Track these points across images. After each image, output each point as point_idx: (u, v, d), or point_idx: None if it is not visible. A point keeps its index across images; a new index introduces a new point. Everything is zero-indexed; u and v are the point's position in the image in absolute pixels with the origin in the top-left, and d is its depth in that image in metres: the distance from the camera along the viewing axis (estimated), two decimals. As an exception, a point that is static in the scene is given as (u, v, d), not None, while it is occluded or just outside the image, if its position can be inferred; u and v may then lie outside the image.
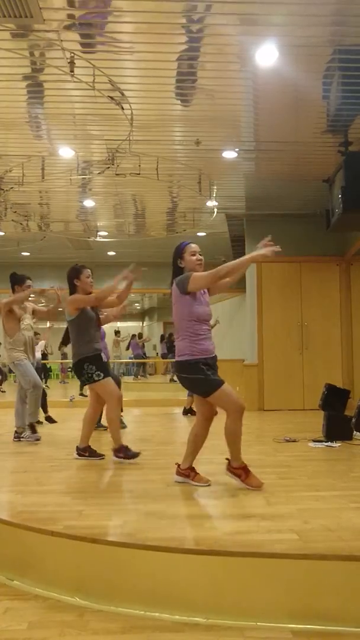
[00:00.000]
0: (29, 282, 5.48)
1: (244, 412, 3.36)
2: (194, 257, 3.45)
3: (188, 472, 3.55)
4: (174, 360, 3.60)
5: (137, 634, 2.17)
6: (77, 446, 4.60)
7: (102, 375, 4.33)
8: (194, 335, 3.37)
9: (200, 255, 3.47)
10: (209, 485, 3.48)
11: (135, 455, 4.33)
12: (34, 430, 5.36)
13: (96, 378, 4.33)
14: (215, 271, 3.28)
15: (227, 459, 3.50)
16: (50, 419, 7.07)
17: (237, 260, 3.33)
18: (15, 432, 5.44)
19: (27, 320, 5.55)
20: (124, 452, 4.34)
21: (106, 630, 2.20)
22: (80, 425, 4.67)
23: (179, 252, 3.48)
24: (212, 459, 3.87)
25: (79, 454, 4.54)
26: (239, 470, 3.43)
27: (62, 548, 2.59)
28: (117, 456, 4.35)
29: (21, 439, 5.38)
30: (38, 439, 5.30)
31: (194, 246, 3.50)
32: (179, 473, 3.59)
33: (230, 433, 3.38)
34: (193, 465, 3.58)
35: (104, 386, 4.36)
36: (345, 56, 4.27)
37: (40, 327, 8.22)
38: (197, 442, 3.55)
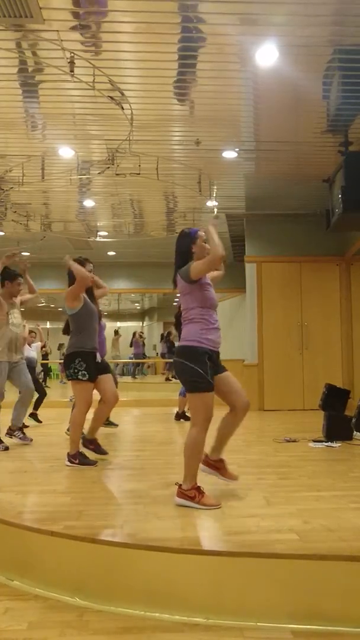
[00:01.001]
0: (19, 279, 5.32)
1: (209, 425, 3.15)
2: (206, 245, 3.35)
3: (219, 465, 3.41)
4: (172, 360, 3.46)
5: (137, 634, 2.17)
6: (83, 437, 4.58)
7: (87, 377, 4.29)
8: (205, 322, 3.24)
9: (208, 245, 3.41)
10: (237, 479, 3.42)
11: (91, 463, 4.27)
12: (10, 434, 5.32)
13: (80, 377, 4.29)
14: (211, 255, 3.17)
15: (177, 483, 3.19)
16: (34, 416, 7.02)
17: (213, 240, 3.19)
18: (9, 428, 5.40)
19: (17, 315, 5.36)
20: (79, 459, 4.27)
21: (106, 631, 2.20)
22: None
23: (192, 238, 3.36)
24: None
25: (84, 446, 4.53)
26: (192, 491, 3.10)
27: (62, 548, 2.59)
28: (70, 461, 4.27)
29: (13, 436, 5.34)
30: (7, 448, 5.06)
31: (203, 234, 3.40)
32: (208, 464, 3.40)
33: (192, 444, 3.12)
34: (222, 457, 3.43)
35: (82, 389, 4.33)
36: (345, 56, 4.27)
37: (40, 327, 8.19)
38: (227, 428, 3.37)
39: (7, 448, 5.00)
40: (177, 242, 3.43)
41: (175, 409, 7.19)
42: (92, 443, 4.59)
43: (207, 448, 3.35)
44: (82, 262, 4.54)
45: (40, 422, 7.00)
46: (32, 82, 4.64)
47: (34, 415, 7.02)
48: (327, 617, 2.21)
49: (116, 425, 6.35)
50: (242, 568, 2.32)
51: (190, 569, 2.38)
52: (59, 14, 3.71)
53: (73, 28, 3.87)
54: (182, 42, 4.07)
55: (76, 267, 4.34)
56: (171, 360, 13.88)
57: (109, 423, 6.24)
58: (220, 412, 3.46)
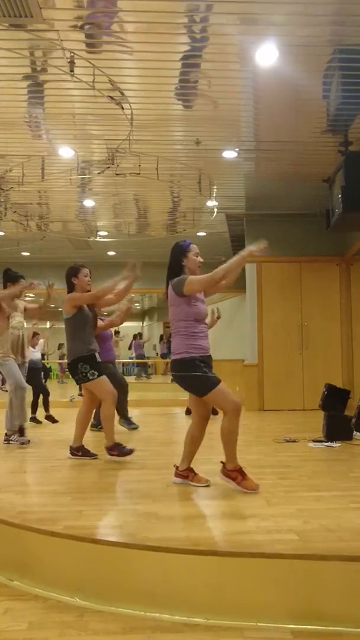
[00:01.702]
0: (22, 282, 5.32)
1: (240, 411, 3.32)
2: (197, 258, 3.46)
3: (187, 473, 3.54)
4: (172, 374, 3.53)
5: (137, 634, 2.17)
6: (70, 446, 4.60)
7: (96, 374, 4.36)
8: (190, 334, 3.35)
9: (200, 258, 3.48)
10: (208, 485, 3.47)
11: (129, 452, 4.35)
12: (22, 434, 5.25)
13: (90, 377, 4.35)
14: (210, 275, 3.28)
15: (222, 462, 3.43)
16: (51, 418, 7.07)
17: (229, 262, 3.32)
18: (5, 434, 5.36)
19: (18, 318, 5.38)
20: (118, 450, 4.36)
21: (106, 631, 2.20)
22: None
23: (183, 251, 3.45)
24: (210, 459, 3.85)
25: (72, 453, 4.56)
26: (234, 472, 3.36)
27: (62, 548, 2.59)
28: (110, 454, 4.37)
29: (10, 442, 5.26)
30: (24, 443, 5.16)
31: (196, 247, 3.50)
32: (177, 475, 3.57)
33: (226, 433, 3.32)
34: (191, 466, 3.56)
35: (99, 384, 4.39)
36: (345, 56, 4.27)
37: (40, 327, 8.19)
38: (194, 443, 3.53)
39: (28, 441, 5.13)
40: (170, 252, 3.52)
41: (176, 409, 7.20)
42: (78, 450, 4.58)
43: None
44: (77, 268, 4.56)
45: (57, 421, 7.00)
46: (32, 82, 4.63)
47: (50, 418, 7.04)
48: (327, 617, 2.21)
49: (136, 426, 6.30)
50: (242, 568, 2.32)
51: (190, 569, 2.38)
52: (59, 13, 3.71)
53: (74, 28, 3.86)
54: (182, 42, 4.07)
55: (102, 287, 4.48)
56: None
57: (129, 421, 6.17)
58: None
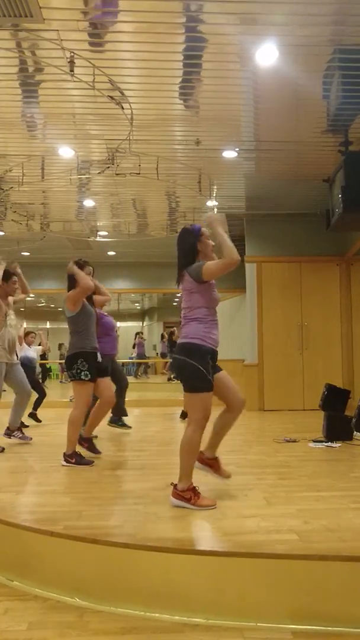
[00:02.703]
0: (14, 278, 5.25)
1: (204, 428, 3.12)
2: (210, 241, 3.33)
3: (212, 462, 3.41)
4: (173, 359, 3.38)
5: (137, 634, 2.17)
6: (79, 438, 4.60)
7: (89, 376, 4.33)
8: (209, 322, 3.20)
9: (212, 241, 3.35)
10: (229, 476, 3.42)
11: (87, 463, 4.29)
12: (9, 435, 5.31)
13: (83, 377, 4.32)
14: (227, 260, 3.12)
15: (172, 483, 3.19)
16: (34, 416, 7.04)
17: (224, 240, 3.16)
18: (7, 428, 5.40)
19: (13, 316, 5.34)
20: (76, 459, 4.29)
21: (106, 631, 2.20)
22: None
23: (196, 235, 3.30)
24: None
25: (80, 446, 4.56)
26: (188, 492, 3.08)
27: (62, 548, 2.59)
28: (67, 461, 4.29)
29: (11, 437, 5.34)
30: (2, 450, 5.02)
31: (206, 230, 3.35)
32: (203, 461, 3.38)
33: (186, 443, 3.09)
34: (217, 456, 3.44)
35: (83, 389, 4.35)
36: (345, 56, 4.26)
37: (40, 326, 8.17)
38: (224, 428, 3.37)
39: (2, 449, 4.96)
40: (179, 239, 3.35)
41: (176, 409, 7.19)
42: (86, 442, 4.63)
43: (203, 445, 3.35)
44: (81, 265, 4.57)
45: (40, 421, 7.02)
46: (32, 82, 4.63)
47: (33, 415, 7.05)
48: (327, 617, 2.21)
49: (129, 427, 6.29)
50: (242, 568, 2.32)
51: (190, 570, 2.38)
52: (59, 13, 3.71)
53: (73, 28, 3.86)
54: (182, 42, 4.06)
55: (81, 276, 4.40)
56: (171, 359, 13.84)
57: (122, 424, 6.17)
58: (216, 410, 3.46)
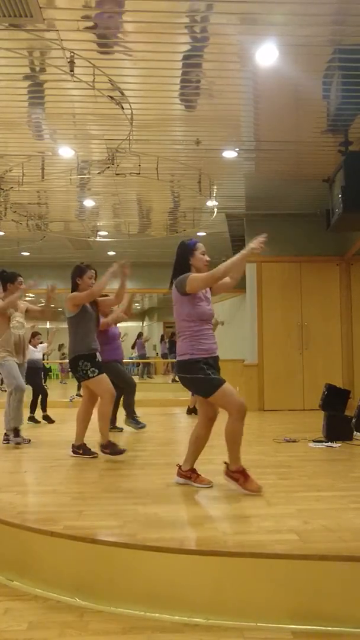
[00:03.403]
0: (20, 279, 5.29)
1: (245, 412, 3.29)
2: (204, 257, 3.43)
3: (189, 474, 3.53)
4: (174, 360, 3.52)
5: (137, 634, 2.17)
6: (72, 444, 4.64)
7: (96, 371, 4.41)
8: (195, 335, 3.33)
9: (207, 256, 3.46)
10: (210, 486, 3.47)
11: (121, 451, 4.40)
12: (16, 435, 5.23)
13: (91, 375, 4.40)
14: (211, 273, 3.27)
15: (225, 462, 3.42)
16: (48, 418, 7.09)
17: (231, 260, 3.29)
18: (5, 434, 5.34)
19: (18, 319, 5.33)
20: (110, 448, 4.40)
21: (106, 631, 2.19)
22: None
23: (190, 250, 3.42)
24: (212, 459, 3.85)
25: (73, 452, 4.60)
26: (237, 474, 3.34)
27: (62, 548, 2.58)
28: (103, 451, 4.42)
29: (9, 442, 5.26)
30: (19, 443, 5.15)
31: (202, 245, 3.46)
32: (180, 474, 3.56)
33: (230, 434, 3.30)
34: (194, 467, 3.56)
35: (98, 382, 4.43)
36: (345, 56, 4.26)
37: (43, 327, 8.18)
38: (198, 443, 3.52)
39: (28, 441, 5.17)
40: (177, 251, 3.50)
41: (176, 409, 7.22)
42: (80, 448, 4.63)
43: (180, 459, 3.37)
44: (83, 269, 4.59)
45: (53, 421, 7.04)
46: (32, 82, 4.63)
47: (46, 418, 7.08)
48: (327, 617, 2.20)
49: (120, 429, 6.32)
50: (242, 568, 2.32)
51: (190, 569, 2.37)
52: (59, 13, 3.71)
53: (74, 28, 3.86)
54: (182, 42, 4.06)
55: (96, 284, 4.52)
56: (173, 360, 13.86)
57: (113, 427, 6.21)
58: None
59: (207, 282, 3.33)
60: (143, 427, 6.15)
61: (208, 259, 3.44)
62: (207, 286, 3.39)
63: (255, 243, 3.32)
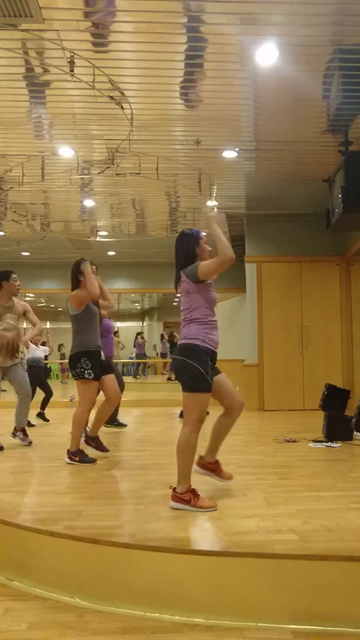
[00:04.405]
0: (14, 276, 5.18)
1: (200, 429, 3.12)
2: (207, 246, 3.37)
3: (214, 466, 3.42)
4: (173, 358, 3.38)
5: (137, 634, 2.17)
6: (68, 449, 4.61)
7: (92, 375, 4.36)
8: (209, 323, 3.22)
9: (208, 246, 3.40)
10: (232, 478, 3.43)
11: (91, 461, 4.34)
12: (24, 434, 5.33)
13: (86, 376, 4.35)
14: (220, 258, 3.13)
15: (171, 487, 3.16)
16: (42, 415, 7.13)
17: (220, 240, 3.17)
18: (15, 427, 5.40)
19: (10, 321, 5.15)
20: (79, 456, 4.35)
21: (106, 631, 2.20)
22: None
23: (195, 239, 3.34)
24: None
25: (69, 458, 4.56)
26: (187, 494, 3.06)
27: (62, 548, 2.59)
28: (71, 459, 4.35)
29: (15, 436, 5.35)
30: (25, 443, 5.23)
31: (204, 234, 3.41)
32: (203, 466, 3.40)
33: (183, 444, 3.09)
34: (217, 458, 3.44)
35: (87, 388, 4.39)
36: (346, 56, 4.26)
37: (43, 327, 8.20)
38: (224, 431, 3.38)
39: (1, 448, 5.00)
40: (178, 242, 3.39)
41: (175, 409, 7.20)
42: (93, 440, 4.70)
43: (203, 450, 3.36)
44: (85, 264, 4.57)
45: (48, 420, 7.07)
46: (32, 82, 4.63)
47: (41, 415, 7.11)
48: (327, 617, 2.21)
49: (125, 425, 6.35)
50: (242, 568, 2.32)
51: (190, 569, 2.38)
52: (59, 13, 3.71)
53: (73, 28, 3.86)
54: (182, 42, 4.06)
55: (91, 282, 4.41)
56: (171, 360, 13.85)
57: (118, 424, 6.25)
58: (214, 412, 3.46)
59: (219, 267, 3.17)
60: (124, 425, 6.22)
61: (209, 248, 3.38)
62: (217, 272, 3.23)
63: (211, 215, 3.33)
